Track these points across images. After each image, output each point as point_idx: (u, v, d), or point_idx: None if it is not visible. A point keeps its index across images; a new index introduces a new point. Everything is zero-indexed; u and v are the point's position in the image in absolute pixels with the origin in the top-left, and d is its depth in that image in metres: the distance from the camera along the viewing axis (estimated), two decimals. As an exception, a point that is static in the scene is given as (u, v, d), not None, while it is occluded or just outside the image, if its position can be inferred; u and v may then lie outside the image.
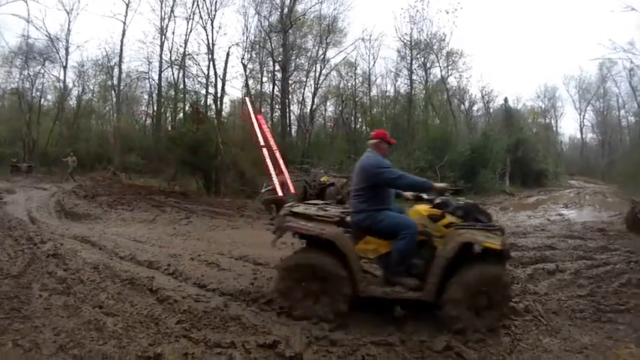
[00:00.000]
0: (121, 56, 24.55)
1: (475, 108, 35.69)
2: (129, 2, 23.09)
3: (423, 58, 26.09)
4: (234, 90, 30.78)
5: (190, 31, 22.20)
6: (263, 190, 10.31)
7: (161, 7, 23.10)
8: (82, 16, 40.10)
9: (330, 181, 12.17)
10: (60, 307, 3.54)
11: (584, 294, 4.24)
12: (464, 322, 3.16)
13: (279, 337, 3.03)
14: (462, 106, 33.46)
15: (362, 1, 43.20)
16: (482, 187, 18.58)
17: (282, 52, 23.58)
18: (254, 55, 24.58)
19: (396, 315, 3.44)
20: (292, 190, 4.92)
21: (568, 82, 43.67)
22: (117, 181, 17.18)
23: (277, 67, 24.27)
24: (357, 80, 28.26)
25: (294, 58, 24.91)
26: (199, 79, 21.02)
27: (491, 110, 36.16)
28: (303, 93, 26.43)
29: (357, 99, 27.67)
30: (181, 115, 18.83)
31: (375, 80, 28.79)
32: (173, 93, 23.24)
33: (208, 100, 20.35)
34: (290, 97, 25.58)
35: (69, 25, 24.39)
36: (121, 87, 26.22)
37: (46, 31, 23.83)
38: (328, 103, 29.39)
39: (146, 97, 28.27)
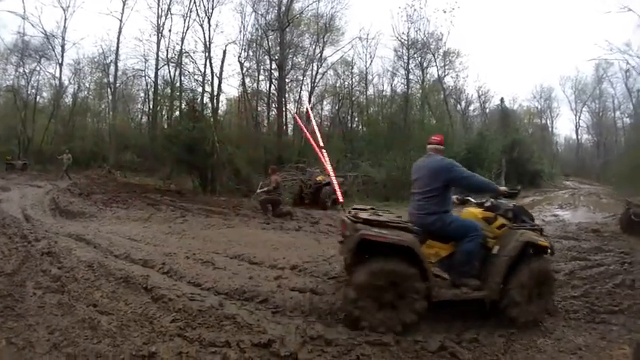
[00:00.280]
0: (117, 54, 24.62)
1: (471, 108, 36.06)
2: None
3: (420, 58, 26.22)
4: (230, 88, 30.78)
5: (187, 28, 22.14)
6: (259, 190, 10.35)
7: (158, 5, 23.13)
8: (79, 13, 40.30)
9: (326, 181, 12.19)
10: (54, 305, 3.53)
11: (578, 295, 4.26)
12: (520, 310, 3.41)
13: (273, 336, 3.01)
14: (459, 105, 33.68)
15: (359, 0, 42.92)
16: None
17: (279, 51, 23.59)
18: (251, 54, 24.64)
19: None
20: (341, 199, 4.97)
21: (564, 83, 44.26)
22: (112, 179, 17.17)
23: (274, 66, 24.33)
24: (353, 79, 28.44)
25: (291, 56, 24.97)
26: (196, 77, 20.96)
27: (487, 110, 36.52)
28: (300, 92, 26.50)
29: (353, 98, 27.77)
30: (177, 113, 18.76)
31: (372, 79, 29.02)
32: (169, 91, 23.07)
33: (204, 98, 20.34)
34: (287, 95, 25.61)
35: (65, 22, 24.47)
36: (117, 85, 26.23)
37: (42, 28, 23.91)
38: (325, 102, 29.47)
39: (142, 95, 28.34)
